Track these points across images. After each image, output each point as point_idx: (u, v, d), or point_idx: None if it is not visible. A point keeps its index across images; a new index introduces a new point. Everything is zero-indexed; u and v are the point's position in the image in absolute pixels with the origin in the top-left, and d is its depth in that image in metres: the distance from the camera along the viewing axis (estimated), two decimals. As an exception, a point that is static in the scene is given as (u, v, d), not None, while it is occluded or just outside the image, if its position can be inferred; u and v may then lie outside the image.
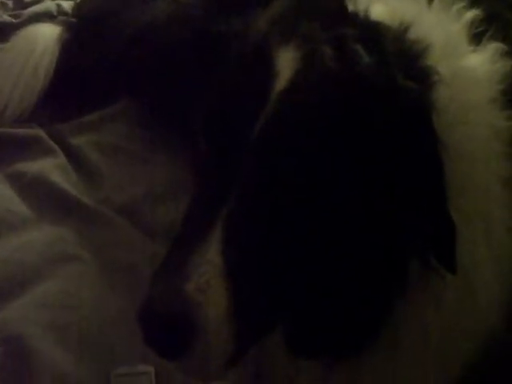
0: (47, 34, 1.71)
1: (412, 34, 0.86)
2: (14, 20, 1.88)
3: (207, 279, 0.70)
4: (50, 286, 1.24)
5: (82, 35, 1.72)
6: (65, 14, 1.90)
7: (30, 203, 1.41)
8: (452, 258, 0.79)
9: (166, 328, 0.70)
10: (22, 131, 1.57)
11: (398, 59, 0.81)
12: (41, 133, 1.57)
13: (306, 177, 0.74)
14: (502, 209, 0.91)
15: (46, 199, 1.42)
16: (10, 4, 2.00)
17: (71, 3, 1.92)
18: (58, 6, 1.92)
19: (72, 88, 1.66)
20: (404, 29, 0.87)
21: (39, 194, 1.43)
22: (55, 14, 1.90)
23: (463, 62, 0.93)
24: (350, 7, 0.88)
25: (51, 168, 1.48)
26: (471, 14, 0.96)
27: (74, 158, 1.55)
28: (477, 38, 0.96)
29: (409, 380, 0.92)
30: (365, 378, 0.92)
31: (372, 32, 0.83)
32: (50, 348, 1.14)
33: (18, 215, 1.38)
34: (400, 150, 0.77)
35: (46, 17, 1.86)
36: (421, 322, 0.88)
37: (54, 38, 1.70)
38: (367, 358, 0.88)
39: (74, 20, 1.81)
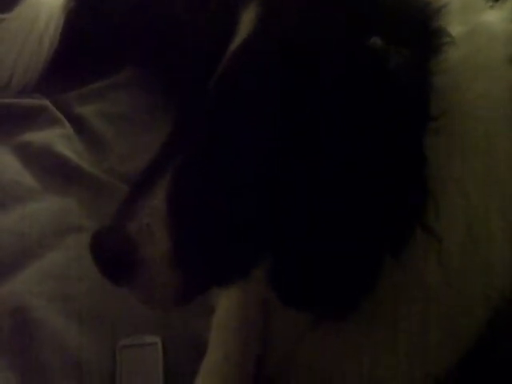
0: (52, 2, 1.68)
1: None
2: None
3: (149, 221, 0.76)
4: (54, 257, 1.24)
5: (87, 3, 1.69)
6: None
7: (36, 174, 1.41)
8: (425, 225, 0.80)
9: (108, 259, 0.77)
10: (27, 101, 1.56)
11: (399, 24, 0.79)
12: (46, 102, 1.56)
13: (250, 135, 0.76)
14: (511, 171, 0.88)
15: (51, 169, 1.42)
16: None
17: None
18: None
19: (77, 57, 1.64)
20: None
21: (45, 164, 1.43)
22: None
23: (481, 18, 0.90)
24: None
25: (57, 138, 1.48)
26: None
27: (80, 127, 1.53)
28: None
29: (411, 349, 0.90)
30: (364, 346, 0.91)
31: None
32: (54, 319, 1.13)
33: (23, 186, 1.38)
34: (359, 116, 0.75)
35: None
36: (423, 288, 0.86)
37: (59, 6, 1.67)
38: (365, 324, 0.87)
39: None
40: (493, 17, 0.90)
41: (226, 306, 1.09)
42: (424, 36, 0.81)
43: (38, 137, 1.47)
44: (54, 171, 1.41)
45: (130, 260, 0.76)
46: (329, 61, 0.76)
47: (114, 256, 0.76)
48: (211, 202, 0.78)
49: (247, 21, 0.77)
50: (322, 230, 0.78)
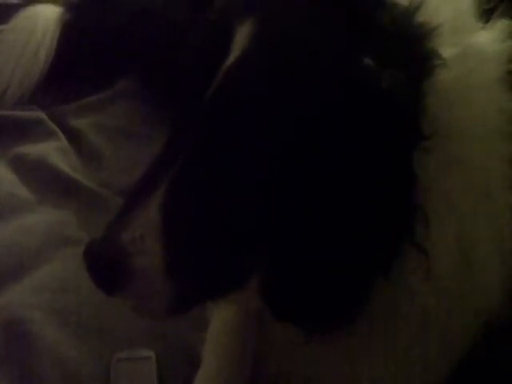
0: (48, 14, 1.70)
1: (420, 16, 0.84)
2: (15, 1, 1.85)
3: (142, 232, 0.76)
4: (50, 270, 1.24)
5: (83, 15, 1.70)
6: (66, -6, 1.87)
7: (31, 186, 1.41)
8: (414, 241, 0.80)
9: (101, 269, 0.77)
10: (22, 114, 1.57)
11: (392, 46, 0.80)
12: (42, 115, 1.56)
13: (245, 149, 0.77)
14: (503, 189, 0.89)
15: (47, 182, 1.42)
16: (12, -15, 1.97)
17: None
18: (60, -15, 1.89)
19: (73, 69, 1.66)
20: (413, 10, 0.84)
21: (40, 176, 1.43)
22: (57, -6, 1.87)
23: (471, 40, 0.90)
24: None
25: (52, 151, 1.48)
26: None
27: (75, 140, 1.54)
28: (486, 15, 0.94)
29: (409, 362, 0.91)
30: (363, 358, 0.92)
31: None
32: (50, 332, 1.13)
33: (19, 198, 1.38)
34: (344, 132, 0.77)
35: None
36: (416, 304, 0.86)
37: (55, 18, 1.69)
38: (363, 337, 0.88)
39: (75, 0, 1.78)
40: (484, 38, 0.91)
41: (220, 319, 1.09)
42: (416, 58, 0.81)
43: (33, 149, 1.48)
44: (50, 184, 1.41)
45: (122, 270, 0.77)
46: (322, 80, 0.77)
47: (106, 266, 0.77)
48: (205, 214, 0.79)
49: (242, 37, 0.78)
50: (314, 244, 0.79)
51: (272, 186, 0.78)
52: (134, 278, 0.77)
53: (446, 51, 0.84)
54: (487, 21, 0.93)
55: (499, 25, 0.92)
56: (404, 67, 0.78)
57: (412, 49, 0.82)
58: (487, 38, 0.91)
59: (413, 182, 0.79)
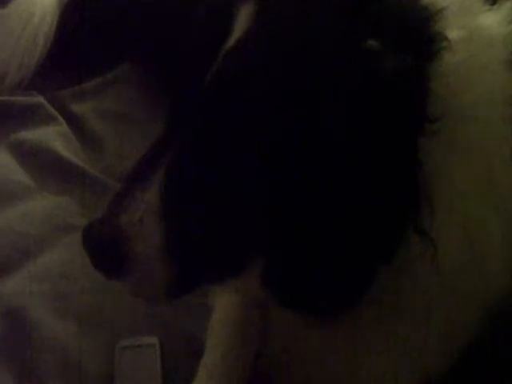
0: (46, -2, 1.67)
1: None
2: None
3: (141, 215, 0.76)
4: (51, 257, 1.23)
5: (82, -1, 1.68)
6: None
7: (32, 172, 1.40)
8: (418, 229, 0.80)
9: (100, 251, 0.78)
10: (22, 99, 1.55)
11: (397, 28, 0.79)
12: (41, 100, 1.55)
13: (244, 132, 0.77)
14: (508, 173, 0.88)
15: (47, 168, 1.41)
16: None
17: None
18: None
19: (72, 53, 1.63)
20: None
21: (40, 162, 1.42)
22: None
23: (478, 22, 0.90)
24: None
25: (52, 136, 1.47)
26: None
27: (76, 125, 1.53)
28: None
29: (409, 349, 0.90)
30: (364, 347, 0.91)
31: None
32: (51, 320, 1.13)
33: (19, 184, 1.37)
34: (351, 120, 0.76)
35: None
36: (421, 292, 0.86)
37: (54, 2, 1.67)
38: (365, 327, 0.88)
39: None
40: (490, 20, 0.90)
41: (224, 306, 1.08)
42: (421, 40, 0.80)
43: (33, 134, 1.47)
44: (50, 169, 1.40)
45: (121, 253, 0.77)
46: (324, 61, 0.76)
47: (105, 248, 0.77)
48: (204, 197, 0.78)
49: (243, 18, 0.77)
50: (316, 229, 0.78)
51: (272, 170, 0.77)
52: (132, 260, 0.77)
53: (452, 33, 0.83)
54: (493, 3, 0.92)
55: (505, 7, 0.92)
56: (409, 49, 0.77)
57: (417, 31, 0.81)
58: (493, 20, 0.91)
59: (416, 167, 0.78)
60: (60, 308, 1.15)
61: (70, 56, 1.63)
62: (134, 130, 1.51)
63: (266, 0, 0.78)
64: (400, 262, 0.81)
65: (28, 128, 1.49)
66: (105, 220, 0.78)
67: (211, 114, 0.78)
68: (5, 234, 1.26)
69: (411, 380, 0.92)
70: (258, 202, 0.78)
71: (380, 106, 0.75)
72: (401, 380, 0.92)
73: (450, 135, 0.82)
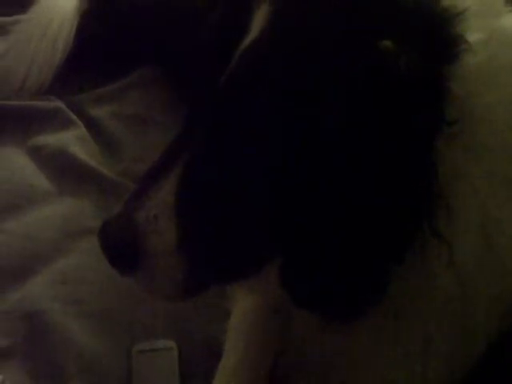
0: (65, 4, 1.68)
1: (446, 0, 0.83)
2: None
3: (156, 213, 0.77)
4: (68, 261, 1.24)
5: (100, 5, 1.69)
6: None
7: (51, 176, 1.41)
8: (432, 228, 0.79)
9: (115, 248, 0.79)
10: (41, 104, 1.56)
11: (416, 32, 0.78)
12: (60, 105, 1.56)
13: (258, 132, 0.77)
14: None
15: (66, 171, 1.42)
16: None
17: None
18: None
19: (91, 58, 1.64)
20: None
21: (60, 166, 1.43)
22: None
23: (499, 23, 0.89)
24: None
25: (71, 140, 1.48)
26: None
27: (94, 129, 1.54)
28: None
29: (426, 353, 0.89)
30: (379, 350, 0.90)
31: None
32: (69, 323, 1.13)
33: (38, 189, 1.38)
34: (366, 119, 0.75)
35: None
36: (438, 292, 0.85)
37: (73, 8, 1.67)
38: (380, 329, 0.87)
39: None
40: (511, 21, 0.90)
41: (242, 309, 1.08)
42: (440, 42, 0.80)
43: (52, 139, 1.47)
44: (69, 173, 1.41)
45: (136, 249, 0.78)
46: (340, 62, 0.75)
47: (120, 244, 0.78)
48: (219, 197, 0.79)
49: (259, 20, 0.77)
50: (332, 230, 0.78)
51: (285, 170, 0.77)
52: (147, 257, 0.78)
53: (472, 35, 0.82)
54: (515, 4, 0.92)
55: None
56: (427, 51, 0.77)
57: (436, 33, 0.80)
58: None
59: (431, 167, 0.78)
60: (78, 311, 1.15)
61: (88, 61, 1.64)
62: (151, 133, 1.51)
63: (280, 3, 0.78)
64: (417, 262, 0.81)
65: (47, 132, 1.50)
66: (121, 216, 0.79)
67: (225, 114, 0.78)
68: (23, 240, 1.27)
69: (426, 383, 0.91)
70: (271, 202, 0.78)
71: (394, 105, 0.75)
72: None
73: (469, 137, 0.81)
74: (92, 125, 1.54)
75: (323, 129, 0.75)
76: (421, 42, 0.77)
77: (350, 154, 0.75)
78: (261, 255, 0.84)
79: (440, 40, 0.80)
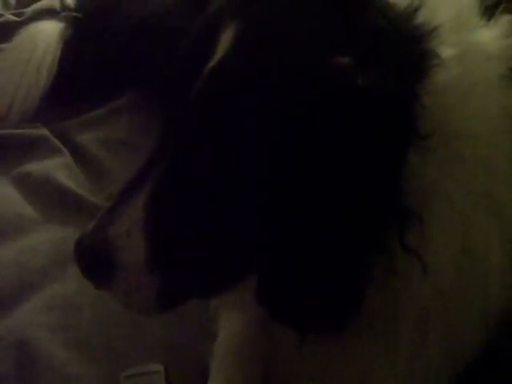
0: (49, 31, 1.71)
1: (420, 16, 0.84)
2: (16, 18, 1.86)
3: (128, 228, 0.79)
4: (55, 288, 1.23)
5: (85, 30, 1.71)
6: (68, 9, 1.86)
7: (37, 204, 1.41)
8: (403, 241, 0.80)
9: (89, 262, 0.81)
10: (26, 132, 1.57)
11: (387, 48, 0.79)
12: (45, 132, 1.57)
13: (227, 150, 0.78)
14: (508, 188, 0.87)
15: (52, 199, 1.42)
16: (13, 2, 1.98)
17: (74, -2, 1.90)
18: (61, 1, 1.88)
19: (75, 85, 1.65)
20: (412, 10, 0.84)
21: (46, 194, 1.43)
22: (58, 9, 1.86)
23: (473, 38, 0.90)
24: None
25: (57, 168, 1.48)
26: None
27: (80, 156, 1.54)
28: (489, 12, 0.93)
29: (411, 362, 0.89)
30: (363, 358, 0.91)
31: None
32: (57, 351, 1.13)
33: (25, 217, 1.38)
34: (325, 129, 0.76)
35: (49, 13, 1.83)
36: (418, 308, 0.86)
37: (56, 34, 1.69)
38: (364, 337, 0.87)
39: (76, 15, 1.78)
40: (486, 35, 0.91)
41: (229, 330, 1.08)
42: (411, 58, 0.81)
43: (37, 167, 1.48)
44: (55, 201, 1.41)
45: (109, 263, 0.80)
46: (297, 80, 0.77)
47: (93, 258, 0.80)
48: (189, 212, 0.80)
49: (226, 39, 0.79)
50: (304, 244, 0.79)
51: (257, 185, 0.78)
52: (120, 271, 0.80)
53: (446, 51, 0.84)
54: (489, 18, 0.92)
55: (502, 22, 0.92)
56: (396, 67, 0.78)
57: (407, 49, 0.81)
58: (489, 35, 0.91)
59: (400, 183, 0.78)
60: (66, 339, 1.15)
61: (73, 88, 1.65)
62: (137, 158, 1.50)
63: (248, 21, 0.80)
64: (390, 277, 0.82)
65: (33, 161, 1.50)
66: (93, 231, 0.81)
67: (193, 131, 0.80)
68: (10, 267, 1.27)
69: None
70: (242, 217, 0.80)
71: (351, 120, 0.76)
72: None
73: (444, 151, 0.82)
74: (77, 151, 1.55)
75: (287, 143, 0.77)
76: (390, 57, 0.78)
77: (312, 169, 0.76)
78: (235, 269, 0.85)
79: (411, 56, 0.81)
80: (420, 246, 0.80)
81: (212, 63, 0.79)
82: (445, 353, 0.89)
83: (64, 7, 1.86)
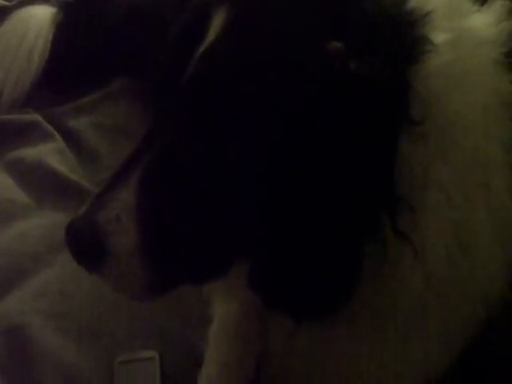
0: (41, 15, 1.68)
1: (412, 1, 0.84)
2: (7, 3, 1.84)
3: (118, 213, 0.79)
4: (49, 274, 1.23)
5: (77, 15, 1.69)
6: (60, -6, 1.85)
7: (29, 190, 1.41)
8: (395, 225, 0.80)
9: (79, 247, 0.81)
10: (18, 117, 1.56)
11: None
12: (37, 117, 1.56)
13: (217, 135, 0.78)
14: (502, 176, 0.87)
15: (45, 185, 1.41)
16: (4, -14, 1.96)
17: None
18: (53, -14, 1.87)
19: (68, 69, 1.64)
20: None
21: (38, 179, 1.42)
22: (50, -6, 1.85)
23: (467, 23, 0.89)
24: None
25: (49, 153, 1.47)
26: None
27: (73, 141, 1.53)
28: None
29: (407, 351, 0.90)
30: (359, 348, 0.91)
31: None
32: (50, 337, 1.13)
33: (17, 203, 1.37)
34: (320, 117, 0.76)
35: (41, -2, 1.82)
36: (411, 296, 0.85)
37: (48, 19, 1.67)
38: (361, 326, 0.87)
39: (67, 0, 1.76)
40: (479, 21, 0.90)
41: (223, 316, 1.09)
42: (403, 44, 0.81)
43: (30, 152, 1.47)
44: (48, 186, 1.41)
45: (99, 248, 0.79)
46: (291, 63, 0.77)
47: (83, 243, 0.80)
48: (180, 198, 0.80)
49: (216, 24, 0.79)
50: (297, 230, 0.79)
51: (249, 172, 0.78)
52: (110, 256, 0.80)
53: (439, 36, 0.83)
54: (483, 3, 0.92)
55: (495, 7, 0.91)
56: (388, 53, 0.78)
57: (399, 35, 0.81)
58: (482, 20, 0.90)
59: (392, 169, 0.78)
60: (58, 325, 1.15)
61: (66, 73, 1.64)
62: (130, 143, 1.49)
63: (239, 4, 0.79)
64: (384, 265, 0.82)
65: (25, 146, 1.49)
66: (84, 216, 0.81)
67: (183, 116, 0.80)
68: (2, 254, 1.27)
69: (412, 382, 0.92)
70: (234, 202, 0.80)
71: (341, 105, 0.75)
72: (402, 382, 0.92)
73: (437, 138, 0.82)
74: (70, 136, 1.54)
75: (278, 129, 0.77)
76: (382, 43, 0.78)
77: (305, 156, 0.76)
78: (227, 255, 0.85)
79: (403, 41, 0.81)
80: (412, 233, 0.80)
81: (203, 47, 0.78)
82: (440, 341, 0.89)
83: (56, -8, 1.85)
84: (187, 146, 0.79)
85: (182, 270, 0.85)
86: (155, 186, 0.80)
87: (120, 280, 0.82)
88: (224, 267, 0.86)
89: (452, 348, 0.91)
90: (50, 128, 1.54)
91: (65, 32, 1.67)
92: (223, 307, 1.09)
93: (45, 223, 1.33)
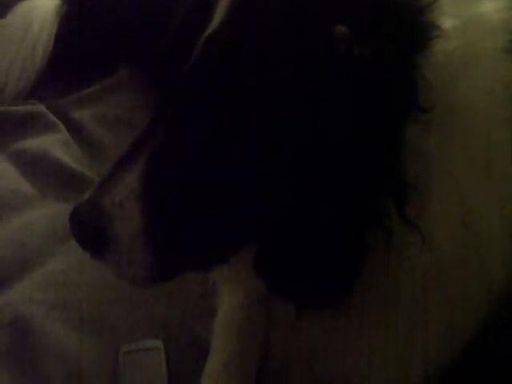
0: (44, 7, 1.69)
1: None
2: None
3: (121, 198, 0.79)
4: (53, 265, 1.23)
5: (81, 7, 1.68)
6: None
7: (33, 181, 1.40)
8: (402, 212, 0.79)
9: (83, 232, 0.81)
10: (22, 108, 1.56)
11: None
12: (42, 108, 1.55)
13: (221, 121, 0.78)
14: (508, 161, 0.86)
15: (48, 175, 1.41)
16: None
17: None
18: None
19: (72, 61, 1.64)
20: None
21: (42, 170, 1.42)
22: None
23: (475, 9, 0.88)
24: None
25: (53, 143, 1.47)
26: None
27: (77, 132, 1.53)
28: None
29: (411, 342, 0.89)
30: (362, 334, 0.90)
31: None
32: (53, 328, 1.12)
33: (20, 194, 1.37)
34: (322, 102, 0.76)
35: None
36: (418, 282, 0.85)
37: (52, 11, 1.67)
38: (364, 311, 0.87)
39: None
40: (488, 7, 0.89)
41: (228, 307, 1.08)
42: (410, 29, 0.80)
43: (34, 143, 1.47)
44: (51, 177, 1.40)
45: (102, 233, 0.79)
46: (297, 47, 0.76)
47: (87, 228, 0.80)
48: (185, 183, 0.80)
49: (221, 10, 0.78)
50: (303, 215, 0.79)
51: (254, 156, 0.78)
52: (113, 243, 0.80)
53: (447, 22, 0.83)
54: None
55: None
56: (395, 38, 0.77)
57: (407, 20, 0.80)
58: (491, 6, 0.89)
59: (400, 155, 0.78)
60: (62, 316, 1.15)
61: (70, 64, 1.63)
62: (133, 134, 1.49)
63: None
64: (393, 250, 0.81)
65: (29, 137, 1.49)
66: (88, 201, 0.81)
67: (188, 102, 0.79)
68: (5, 246, 1.26)
69: (414, 374, 0.91)
70: (238, 188, 0.79)
71: (347, 91, 0.75)
72: (404, 373, 0.91)
73: (445, 124, 0.81)
74: (74, 128, 1.54)
75: (284, 115, 0.76)
76: (389, 28, 0.77)
77: (310, 141, 0.76)
78: (231, 241, 0.84)
79: (411, 27, 0.80)
80: (419, 219, 0.79)
81: (208, 32, 0.78)
82: (445, 329, 0.89)
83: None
84: (191, 132, 0.79)
85: (186, 255, 0.84)
86: (159, 171, 0.79)
87: (122, 266, 0.81)
88: (228, 252, 0.85)
89: (454, 342, 0.91)
90: (54, 119, 1.54)
91: (68, 24, 1.67)
92: (228, 297, 1.08)
93: (48, 214, 1.32)
